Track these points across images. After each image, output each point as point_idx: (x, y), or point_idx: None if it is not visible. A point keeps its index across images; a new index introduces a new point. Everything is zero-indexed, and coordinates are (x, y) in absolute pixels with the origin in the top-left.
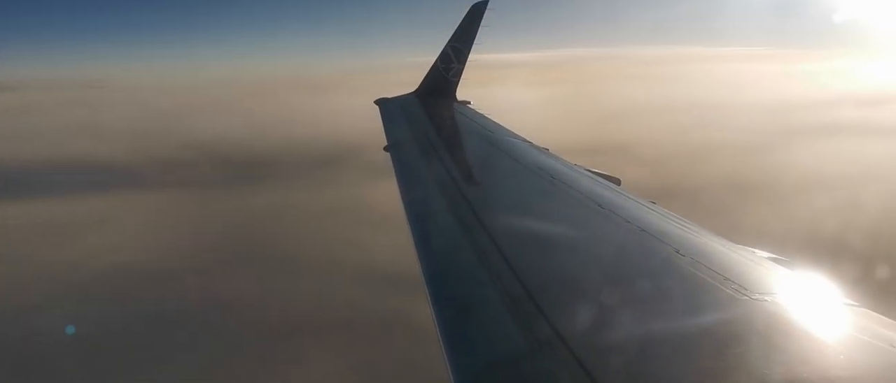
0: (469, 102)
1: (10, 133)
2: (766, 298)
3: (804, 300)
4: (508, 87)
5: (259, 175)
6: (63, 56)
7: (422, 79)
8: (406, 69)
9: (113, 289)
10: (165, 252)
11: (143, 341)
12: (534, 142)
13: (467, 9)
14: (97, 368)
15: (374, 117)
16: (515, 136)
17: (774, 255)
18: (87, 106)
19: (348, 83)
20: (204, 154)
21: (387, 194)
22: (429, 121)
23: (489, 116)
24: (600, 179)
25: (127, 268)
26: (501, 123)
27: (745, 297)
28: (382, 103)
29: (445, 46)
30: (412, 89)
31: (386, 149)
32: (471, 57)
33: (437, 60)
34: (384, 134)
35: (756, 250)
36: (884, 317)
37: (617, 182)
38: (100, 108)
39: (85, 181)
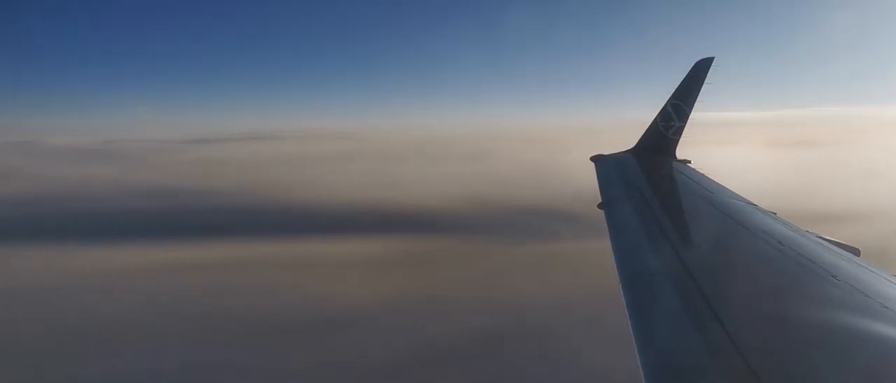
0: (689, 161)
1: (278, 177)
2: None
3: None
4: (735, 147)
5: (477, 222)
6: (313, 110)
7: (640, 136)
8: (626, 126)
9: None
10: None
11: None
12: (759, 206)
13: (691, 65)
14: None
15: (591, 173)
16: (739, 198)
17: None
18: (343, 155)
19: (569, 138)
20: (436, 202)
21: (599, 253)
22: (645, 179)
23: (710, 177)
24: (836, 248)
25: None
26: (724, 184)
27: None
28: (598, 160)
29: (666, 103)
30: (630, 146)
31: (600, 206)
32: (693, 115)
33: (656, 117)
34: (599, 191)
35: None
36: None
37: (856, 252)
38: (352, 158)
39: (335, 223)
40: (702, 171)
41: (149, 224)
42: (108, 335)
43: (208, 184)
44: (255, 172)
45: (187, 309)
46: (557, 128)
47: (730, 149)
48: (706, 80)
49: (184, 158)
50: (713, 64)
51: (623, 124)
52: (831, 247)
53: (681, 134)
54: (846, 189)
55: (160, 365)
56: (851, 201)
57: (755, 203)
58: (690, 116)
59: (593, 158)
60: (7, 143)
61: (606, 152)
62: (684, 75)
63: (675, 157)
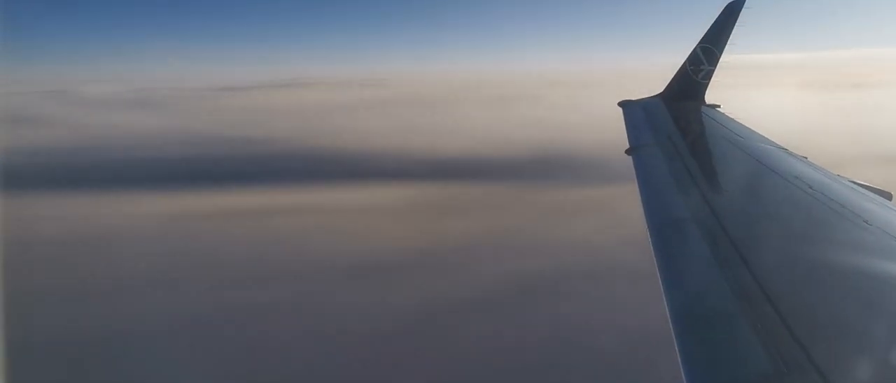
0: (718, 106)
1: (315, 124)
2: None
3: None
4: (767, 91)
5: (508, 170)
6: (341, 56)
7: (669, 81)
8: (655, 71)
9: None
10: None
11: None
12: (790, 150)
13: (721, 8)
14: None
15: (618, 119)
16: (769, 143)
17: None
18: (374, 102)
19: (599, 83)
20: (464, 148)
21: (626, 199)
22: (674, 125)
23: (740, 121)
24: (868, 192)
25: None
26: (755, 129)
27: None
28: (626, 105)
29: (695, 47)
30: (658, 91)
31: (628, 152)
32: (725, 58)
33: (685, 62)
34: (627, 137)
35: None
36: None
37: (888, 197)
38: (387, 105)
39: (369, 170)
40: (732, 116)
41: (192, 172)
42: (156, 281)
43: (249, 132)
44: (291, 120)
45: (241, 255)
46: (587, 73)
47: (762, 92)
48: (738, 22)
49: (218, 106)
50: (745, 5)
51: (653, 68)
52: (863, 191)
53: (710, 78)
54: (888, 133)
55: (221, 303)
56: (890, 145)
57: (786, 147)
58: (721, 60)
59: (621, 103)
60: (41, 92)
61: (634, 97)
62: (715, 17)
63: (705, 102)
